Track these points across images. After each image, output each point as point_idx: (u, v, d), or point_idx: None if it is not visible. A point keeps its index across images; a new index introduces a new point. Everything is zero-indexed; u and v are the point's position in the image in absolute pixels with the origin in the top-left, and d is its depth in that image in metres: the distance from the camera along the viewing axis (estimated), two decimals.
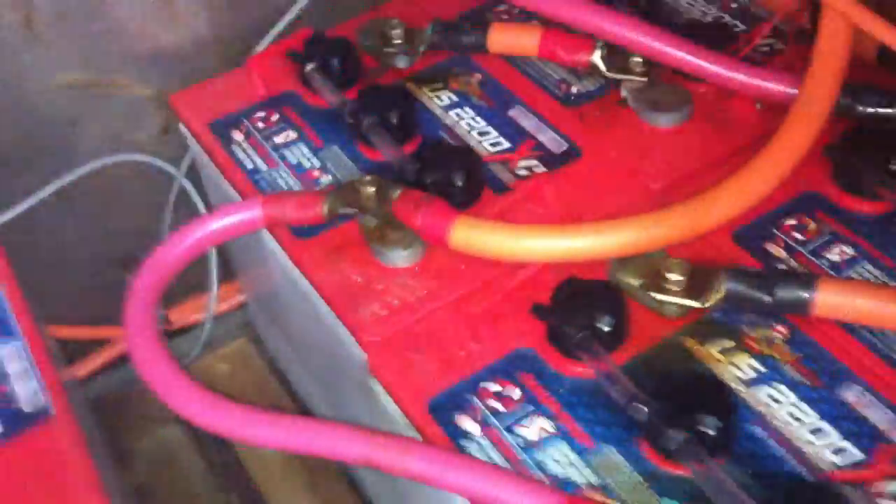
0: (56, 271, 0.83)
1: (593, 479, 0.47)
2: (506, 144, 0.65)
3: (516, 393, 0.51)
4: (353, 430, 0.50)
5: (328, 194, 0.59)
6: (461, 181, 0.60)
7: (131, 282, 0.58)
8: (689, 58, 0.63)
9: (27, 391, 0.53)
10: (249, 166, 0.66)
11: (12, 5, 0.70)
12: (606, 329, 0.51)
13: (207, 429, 0.52)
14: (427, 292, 0.56)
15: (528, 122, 0.67)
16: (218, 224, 0.60)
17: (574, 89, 0.69)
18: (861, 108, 0.61)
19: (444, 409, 0.51)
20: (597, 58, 0.67)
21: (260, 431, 0.51)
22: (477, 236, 0.54)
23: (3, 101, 0.74)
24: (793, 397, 0.49)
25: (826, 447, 0.47)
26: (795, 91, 0.60)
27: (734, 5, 0.75)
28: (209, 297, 0.85)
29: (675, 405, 0.47)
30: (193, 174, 0.79)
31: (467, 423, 0.50)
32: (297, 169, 0.65)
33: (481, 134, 0.66)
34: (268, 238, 0.63)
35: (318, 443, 0.50)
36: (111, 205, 0.84)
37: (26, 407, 0.53)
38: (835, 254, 0.56)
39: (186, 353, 0.90)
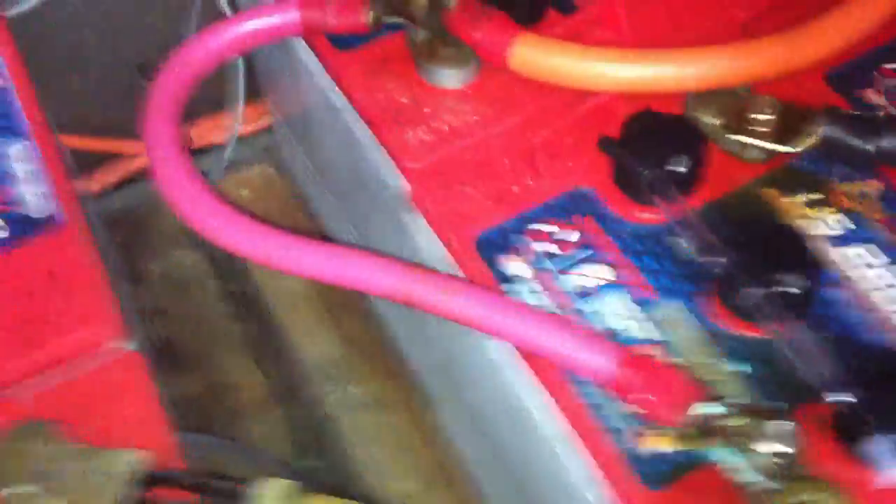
0: (70, 73, 0.78)
1: (654, 335, 0.44)
2: None
3: (573, 235, 0.47)
4: (393, 261, 0.46)
5: (374, 0, 0.53)
6: None
7: (151, 89, 0.53)
8: None
9: (36, 195, 0.50)
10: None
11: None
12: (681, 170, 0.46)
13: (235, 251, 0.48)
14: (479, 118, 0.52)
15: None
16: (250, 26, 0.54)
17: None
18: None
19: (492, 247, 0.47)
20: None
21: (292, 255, 0.47)
22: (541, 56, 0.49)
23: None
24: (884, 259, 0.45)
25: None
26: None
27: None
28: (234, 115, 0.80)
29: (754, 259, 0.42)
30: None
31: (517, 265, 0.46)
32: None
33: None
34: (303, 48, 0.58)
35: (353, 272, 0.46)
36: (132, 2, 0.78)
37: (34, 212, 0.49)
38: None
39: (205, 175, 0.86)
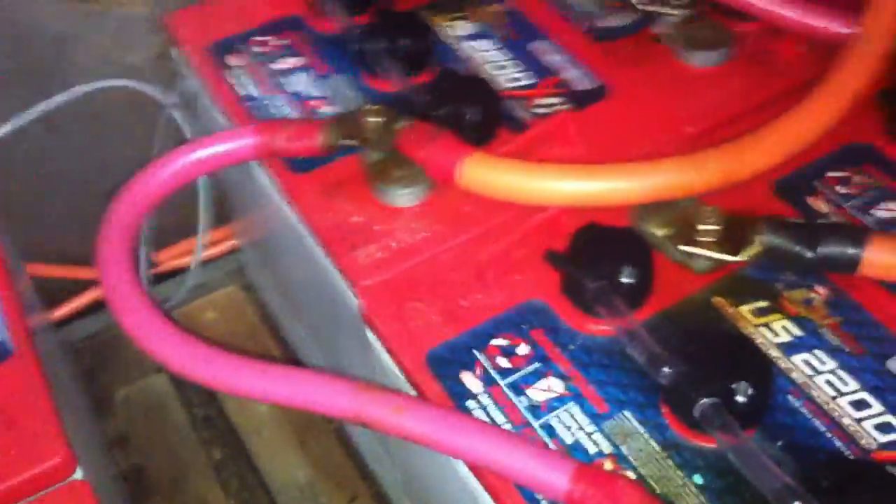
0: (38, 204, 0.80)
1: (606, 447, 0.43)
2: (527, 80, 0.61)
3: (525, 349, 0.47)
4: (344, 382, 0.46)
5: (328, 124, 0.55)
6: (475, 116, 0.56)
7: (108, 213, 0.54)
8: None
9: None
10: (247, 93, 0.62)
11: None
12: (628, 281, 0.47)
13: (183, 374, 0.48)
14: (430, 235, 0.53)
15: (552, 57, 0.62)
16: (205, 152, 0.56)
17: (605, 23, 0.64)
18: None
19: (445, 363, 0.47)
20: None
21: (242, 379, 0.47)
22: (489, 174, 0.50)
23: None
24: (832, 365, 0.45)
25: (868, 421, 0.43)
26: (849, 31, 0.55)
27: None
28: (197, 238, 0.81)
29: (703, 369, 0.43)
30: (189, 104, 0.75)
31: (469, 380, 0.46)
32: (297, 97, 0.61)
33: (500, 67, 0.62)
34: (261, 171, 0.59)
35: (304, 394, 0.46)
36: (100, 133, 0.80)
37: None
38: (883, 210, 0.52)
39: (171, 297, 0.87)
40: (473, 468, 0.44)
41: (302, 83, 0.62)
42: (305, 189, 0.56)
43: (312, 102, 0.61)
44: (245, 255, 0.89)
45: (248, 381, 0.48)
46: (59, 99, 0.72)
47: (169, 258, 0.88)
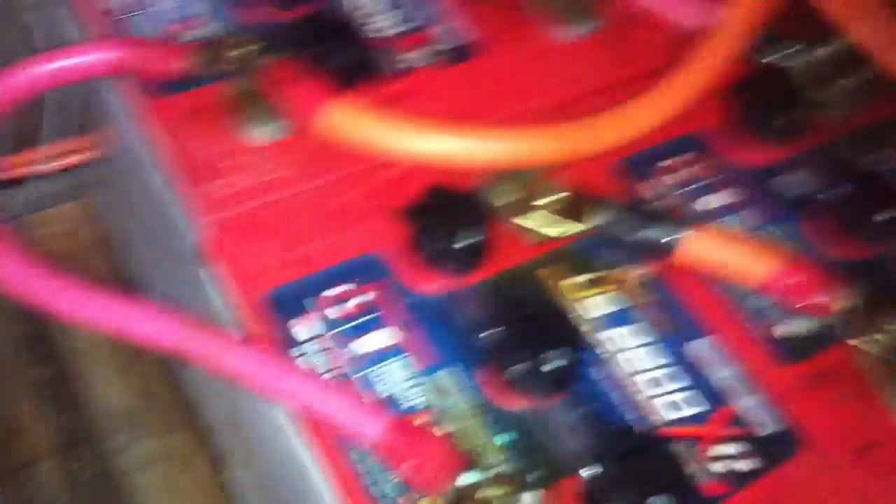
0: None
1: (421, 402, 0.45)
2: (396, 29, 0.61)
3: (356, 300, 0.48)
4: (171, 317, 0.46)
5: (193, 49, 0.54)
6: (341, 60, 0.55)
7: None
8: None
9: None
10: (109, 5, 0.60)
11: None
12: (462, 245, 0.48)
13: (3, 288, 0.47)
14: (282, 176, 0.53)
15: (423, 10, 0.62)
16: (59, 63, 0.54)
17: None
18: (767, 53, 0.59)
19: (278, 307, 0.48)
20: None
21: (64, 301, 0.46)
22: (347, 122, 0.51)
23: None
24: (638, 341, 0.48)
25: (660, 398, 0.46)
26: (708, 19, 0.57)
27: None
28: (39, 150, 0.78)
29: (517, 335, 0.45)
30: (44, 12, 0.71)
31: (299, 327, 0.47)
32: (163, 16, 0.59)
33: (373, 13, 0.61)
34: (115, 90, 0.57)
35: (128, 323, 0.46)
36: None
37: None
38: (712, 202, 0.55)
39: (7, 207, 0.83)
40: (294, 413, 0.45)
41: (169, 1, 0.60)
42: (160, 114, 0.55)
43: (179, 25, 0.59)
44: (91, 173, 0.86)
45: (69, 304, 0.47)
46: None
47: (9, 167, 0.84)
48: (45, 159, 0.79)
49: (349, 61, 0.56)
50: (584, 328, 0.48)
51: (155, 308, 0.46)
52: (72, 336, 0.79)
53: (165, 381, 0.76)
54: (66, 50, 0.55)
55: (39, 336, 0.79)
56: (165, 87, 0.55)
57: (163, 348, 0.46)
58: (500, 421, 0.45)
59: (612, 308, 0.49)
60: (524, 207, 0.50)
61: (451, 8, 0.62)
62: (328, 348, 0.47)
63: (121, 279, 0.82)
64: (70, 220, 0.87)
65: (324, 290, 0.49)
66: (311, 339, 0.47)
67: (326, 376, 0.46)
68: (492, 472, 0.42)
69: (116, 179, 0.73)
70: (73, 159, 0.85)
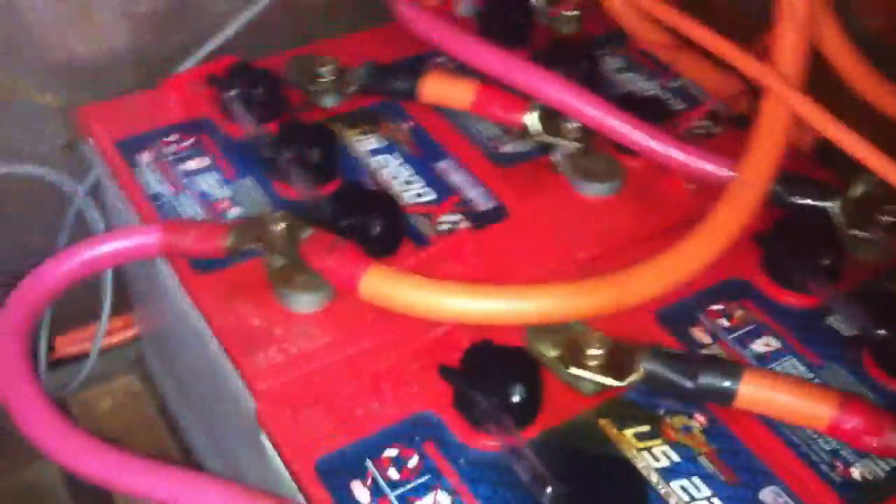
0: None
1: None
2: (430, 196, 0.62)
3: (414, 461, 0.47)
4: (233, 488, 0.44)
5: (233, 227, 0.54)
6: (378, 228, 0.56)
7: (7, 299, 0.52)
8: (626, 129, 0.61)
9: None
10: (155, 191, 0.61)
11: None
12: (517, 400, 0.47)
13: (66, 467, 0.46)
14: (329, 342, 0.52)
15: (455, 176, 0.63)
16: (109, 247, 0.54)
17: (506, 148, 0.66)
18: (793, 199, 0.59)
19: (335, 471, 0.46)
20: (530, 119, 0.64)
21: (126, 478, 0.45)
22: (388, 287, 0.50)
23: None
24: (707, 492, 0.46)
25: None
26: (730, 174, 0.58)
27: (673, 84, 0.74)
28: (98, 325, 0.78)
29: (584, 490, 0.43)
30: (96, 195, 0.74)
31: (359, 490, 0.45)
32: (205, 198, 0.61)
33: (406, 183, 0.63)
34: (164, 268, 0.58)
35: (191, 498, 0.44)
36: (4, 219, 0.77)
37: None
38: (760, 345, 0.54)
39: (68, 384, 0.83)
40: None
41: (210, 184, 0.62)
42: (208, 289, 0.54)
43: (220, 204, 0.60)
44: (144, 346, 0.86)
45: (134, 480, 0.46)
46: None
47: (68, 344, 0.85)
48: (102, 335, 0.79)
49: (385, 228, 0.57)
50: (651, 479, 0.46)
51: (214, 480, 0.45)
52: None
53: None
54: (117, 233, 0.55)
55: None
56: (211, 263, 0.56)
57: None
58: None
59: (677, 458, 0.47)
60: (574, 358, 0.49)
61: (481, 174, 0.64)
62: None
63: (183, 450, 0.81)
64: (129, 392, 0.86)
65: (381, 451, 0.47)
66: (373, 501, 0.44)
67: None
68: None
69: (171, 352, 0.72)
70: (130, 334, 0.86)
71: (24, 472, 0.79)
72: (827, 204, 0.58)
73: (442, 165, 0.64)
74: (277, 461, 0.48)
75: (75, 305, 0.75)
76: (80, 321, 0.83)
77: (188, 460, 0.79)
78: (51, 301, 0.54)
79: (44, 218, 0.77)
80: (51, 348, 0.82)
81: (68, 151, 0.75)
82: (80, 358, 0.83)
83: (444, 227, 0.59)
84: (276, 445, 0.48)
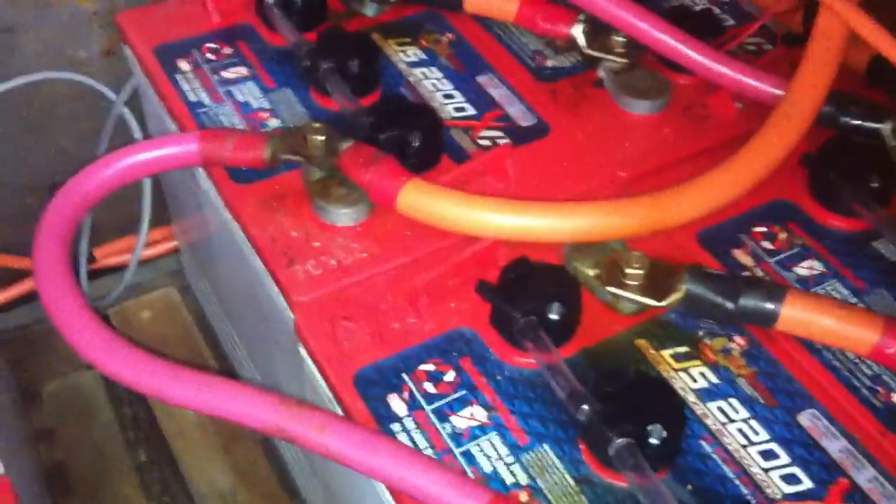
0: None
1: (523, 478, 0.43)
2: (471, 111, 0.60)
3: (451, 376, 0.46)
4: (269, 396, 0.45)
5: (272, 137, 0.54)
6: (417, 141, 0.55)
7: (46, 207, 0.52)
8: (675, 44, 0.59)
9: None
10: (193, 99, 0.60)
11: None
12: (554, 317, 0.46)
13: (109, 375, 0.46)
14: (367, 256, 0.51)
15: (496, 90, 0.62)
16: (147, 155, 0.54)
17: (549, 63, 0.64)
18: (845, 119, 0.57)
19: (372, 384, 0.46)
20: (577, 31, 0.62)
21: (167, 386, 0.46)
22: (427, 201, 0.49)
23: None
24: (745, 414, 0.45)
25: (776, 471, 0.43)
26: (780, 93, 0.56)
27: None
28: (137, 237, 0.79)
29: (620, 408, 0.42)
30: (135, 102, 0.73)
31: (395, 403, 0.45)
32: (244, 108, 0.60)
33: (446, 97, 0.61)
34: (203, 178, 0.57)
35: (228, 406, 0.45)
36: (43, 125, 0.77)
37: None
38: (803, 268, 0.52)
39: (107, 294, 0.84)
40: (392, 490, 0.43)
41: (248, 94, 0.61)
42: (247, 200, 0.54)
43: (259, 114, 0.59)
44: (184, 258, 0.86)
45: (172, 388, 0.46)
46: (3, 87, 0.69)
47: (108, 254, 0.85)
48: (142, 246, 0.79)
49: (425, 142, 0.56)
50: (688, 399, 0.46)
51: (251, 388, 0.45)
52: (168, 419, 0.78)
53: (265, 460, 0.75)
54: (156, 141, 0.55)
55: (143, 418, 0.79)
56: (250, 174, 0.55)
57: (261, 428, 0.44)
58: (606, 497, 0.42)
59: (716, 379, 0.46)
60: (613, 278, 0.49)
61: (523, 89, 0.62)
62: (425, 424, 0.44)
63: (220, 360, 0.82)
64: (168, 304, 0.87)
65: (417, 365, 0.46)
66: (407, 414, 0.44)
67: (428, 452, 0.44)
68: None
69: (211, 263, 0.73)
70: (169, 245, 0.86)
71: (66, 378, 0.81)
72: (879, 125, 0.56)
73: (483, 79, 0.63)
74: (315, 373, 0.48)
75: (115, 217, 0.75)
76: (120, 232, 0.84)
77: (226, 371, 0.80)
78: (90, 209, 0.54)
79: (84, 125, 0.76)
80: (91, 258, 0.83)
81: (108, 58, 0.74)
82: (120, 269, 0.84)
83: (484, 142, 0.58)
84: (314, 357, 0.48)
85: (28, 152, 0.77)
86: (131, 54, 0.66)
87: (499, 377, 0.47)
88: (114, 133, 0.75)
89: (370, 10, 0.66)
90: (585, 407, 0.42)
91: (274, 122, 0.59)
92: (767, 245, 0.54)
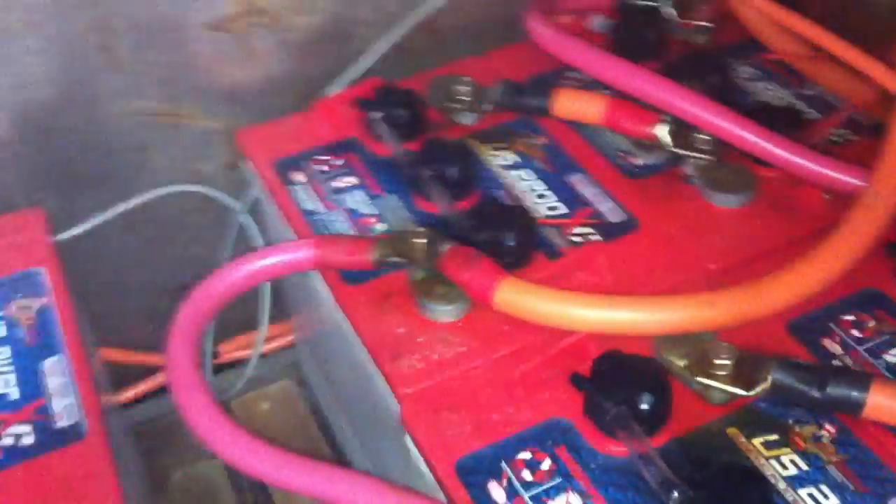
0: (114, 294, 0.84)
1: None
2: (563, 209, 0.64)
3: (547, 464, 0.49)
4: (383, 485, 0.48)
5: (379, 242, 0.58)
6: (512, 241, 0.58)
7: (177, 310, 0.58)
8: (758, 140, 0.62)
9: (64, 407, 0.53)
10: (307, 207, 0.66)
11: (95, 28, 0.71)
12: (645, 407, 0.48)
13: (230, 463, 0.51)
14: (467, 349, 0.55)
15: (587, 189, 0.65)
16: (267, 261, 0.59)
17: (637, 161, 0.67)
18: None
19: (473, 471, 0.49)
20: (662, 131, 0.65)
21: (283, 473, 0.50)
22: (521, 298, 0.53)
23: (78, 121, 0.75)
24: (835, 500, 0.46)
25: None
26: (864, 184, 0.58)
27: (808, 92, 0.73)
28: (258, 333, 0.84)
29: (710, 495, 0.44)
30: (255, 211, 0.79)
31: (495, 490, 0.48)
32: (354, 214, 0.65)
33: (540, 196, 0.65)
34: (317, 279, 0.62)
35: (344, 494, 0.48)
36: (172, 233, 0.84)
37: (60, 423, 0.52)
38: (893, 355, 0.53)
39: (230, 387, 0.90)
40: None
41: (357, 201, 0.66)
42: (357, 299, 0.58)
43: (367, 220, 0.64)
44: (300, 352, 0.92)
45: (290, 475, 0.50)
46: (137, 200, 0.76)
47: (231, 350, 0.91)
48: (262, 342, 0.85)
49: (519, 241, 0.58)
50: (779, 487, 0.47)
51: (364, 476, 0.49)
52: None
53: None
54: (275, 248, 0.60)
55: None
56: (359, 275, 0.59)
57: None
58: None
59: (806, 466, 0.47)
60: (703, 368, 0.50)
61: (612, 187, 0.65)
62: None
63: (334, 448, 0.86)
64: (286, 395, 0.92)
65: (515, 454, 0.49)
66: (508, 501, 0.47)
67: None
68: None
69: (324, 357, 0.77)
70: (287, 340, 0.92)
71: (192, 468, 0.86)
72: None
73: (574, 179, 0.66)
74: (420, 461, 0.51)
75: (237, 315, 0.81)
76: (242, 328, 0.89)
77: (339, 459, 0.84)
78: (218, 311, 0.59)
79: (208, 232, 0.83)
80: (215, 354, 0.89)
81: (230, 171, 0.81)
82: (242, 363, 0.89)
83: (576, 239, 0.61)
84: (418, 446, 0.51)
85: (160, 258, 0.84)
86: (251, 167, 0.72)
87: (593, 465, 0.49)
88: (236, 239, 0.81)
89: (468, 119, 0.71)
90: (676, 494, 0.44)
91: (380, 227, 0.63)
92: (856, 333, 0.55)
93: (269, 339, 0.90)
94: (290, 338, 0.93)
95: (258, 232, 0.79)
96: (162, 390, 0.87)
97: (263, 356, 0.89)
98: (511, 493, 0.48)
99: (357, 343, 0.57)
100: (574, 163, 0.67)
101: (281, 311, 0.86)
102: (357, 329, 0.57)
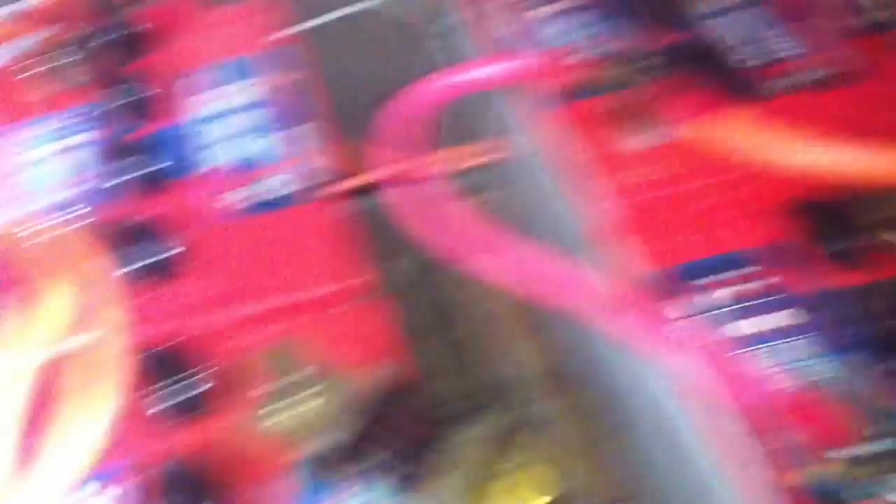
0: None
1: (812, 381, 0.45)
2: (767, 58, 0.61)
3: (769, 281, 0.50)
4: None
5: (579, 66, 0.59)
6: (715, 79, 0.58)
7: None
8: None
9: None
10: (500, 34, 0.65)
11: None
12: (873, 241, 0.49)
13: None
14: (661, 177, 0.55)
15: (794, 41, 0.62)
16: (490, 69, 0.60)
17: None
18: None
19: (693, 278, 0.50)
20: None
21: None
22: (730, 133, 0.54)
23: None
24: None
25: None
26: None
27: None
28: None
29: None
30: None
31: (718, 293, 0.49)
32: (548, 42, 0.63)
33: (757, 39, 0.62)
34: (515, 100, 0.63)
35: None
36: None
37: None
38: None
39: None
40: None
41: (558, 29, 0.64)
42: (555, 121, 0.59)
43: (567, 48, 0.63)
44: (481, 177, 0.89)
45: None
46: None
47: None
48: (443, 162, 0.85)
49: (723, 81, 0.58)
50: None
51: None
52: (484, 303, 0.83)
53: (570, 346, 0.77)
54: (482, 60, 0.61)
55: (457, 303, 0.84)
56: (559, 97, 0.59)
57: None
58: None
59: None
60: None
61: (827, 37, 0.62)
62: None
63: None
64: None
65: (738, 267, 0.50)
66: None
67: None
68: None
69: (510, 182, 0.78)
70: (468, 163, 0.92)
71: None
72: None
73: (794, 26, 0.62)
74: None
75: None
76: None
77: None
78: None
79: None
80: None
81: None
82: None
83: (780, 88, 0.59)
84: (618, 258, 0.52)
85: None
86: None
87: (797, 292, 0.49)
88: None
89: None
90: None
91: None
92: None
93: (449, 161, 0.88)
94: (470, 161, 0.91)
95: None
96: None
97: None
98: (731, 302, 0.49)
99: (552, 162, 0.58)
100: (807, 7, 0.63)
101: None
102: (555, 149, 0.58)
